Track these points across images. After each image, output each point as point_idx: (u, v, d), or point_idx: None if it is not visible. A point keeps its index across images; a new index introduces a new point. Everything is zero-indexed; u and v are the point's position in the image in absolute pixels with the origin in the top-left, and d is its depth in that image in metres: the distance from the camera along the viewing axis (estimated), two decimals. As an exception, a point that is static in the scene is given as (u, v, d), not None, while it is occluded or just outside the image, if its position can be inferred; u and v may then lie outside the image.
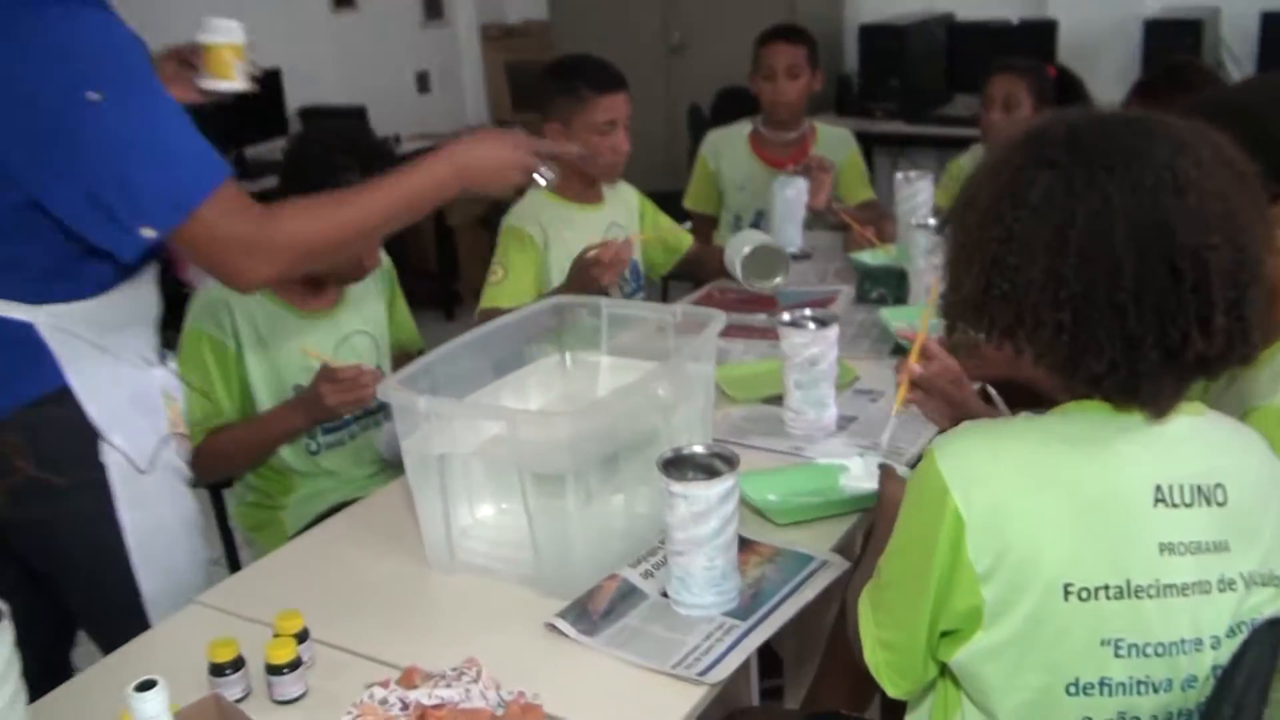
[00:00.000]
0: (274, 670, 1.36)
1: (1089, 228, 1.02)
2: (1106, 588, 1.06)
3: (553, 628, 1.44)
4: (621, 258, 2.14)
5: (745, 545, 1.56)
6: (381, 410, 2.02)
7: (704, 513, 1.39)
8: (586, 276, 2.16)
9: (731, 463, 1.42)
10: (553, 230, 2.41)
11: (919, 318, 1.70)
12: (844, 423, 1.91)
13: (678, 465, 1.44)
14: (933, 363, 1.54)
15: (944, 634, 1.14)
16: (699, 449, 1.46)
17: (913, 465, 1.67)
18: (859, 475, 1.70)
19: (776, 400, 1.95)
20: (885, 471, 1.49)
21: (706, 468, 1.44)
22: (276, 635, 1.39)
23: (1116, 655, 1.08)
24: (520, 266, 2.33)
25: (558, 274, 2.37)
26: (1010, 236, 1.06)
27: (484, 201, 4.86)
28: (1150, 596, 1.07)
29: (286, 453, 2.03)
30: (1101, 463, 1.07)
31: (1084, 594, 1.05)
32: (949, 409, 1.54)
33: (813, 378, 1.86)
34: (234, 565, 2.11)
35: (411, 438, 1.53)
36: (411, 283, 2.07)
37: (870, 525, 1.62)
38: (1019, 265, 1.05)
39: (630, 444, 1.54)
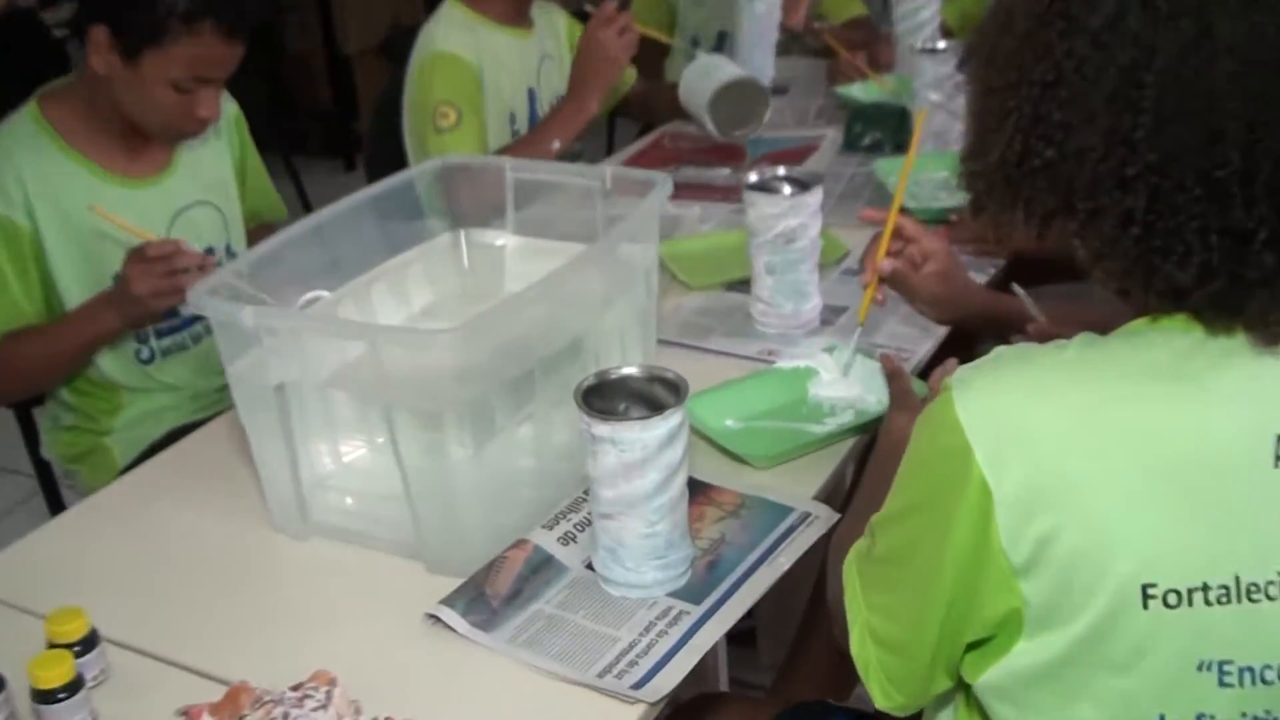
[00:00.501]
0: (43, 697, 1.09)
1: (1177, 69, 0.84)
2: (1205, 588, 0.86)
3: (436, 620, 1.18)
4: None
5: (698, 493, 1.32)
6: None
7: (640, 462, 1.12)
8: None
9: (678, 391, 1.15)
10: (486, 63, 2.15)
11: (902, 176, 1.48)
12: (829, 315, 1.69)
13: (604, 395, 1.18)
14: (910, 247, 1.39)
15: (971, 646, 0.94)
16: (633, 371, 1.20)
17: (923, 375, 1.44)
18: (832, 381, 1.49)
19: (743, 286, 1.71)
20: (893, 384, 1.25)
21: (644, 397, 1.18)
22: (50, 645, 1.12)
23: (1222, 683, 0.88)
24: (472, 104, 2.08)
25: (491, 121, 2.12)
26: (1059, 80, 0.88)
27: (383, 22, 4.50)
28: (1272, 598, 0.87)
29: (109, 362, 1.78)
30: (1195, 407, 0.87)
31: (1172, 598, 0.86)
32: (942, 310, 1.41)
33: (789, 259, 1.60)
34: (54, 506, 1.87)
35: (238, 362, 1.24)
36: (300, 125, 1.82)
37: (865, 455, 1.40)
38: (1070, 123, 0.88)
39: (544, 360, 1.27)
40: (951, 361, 1.38)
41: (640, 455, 1.13)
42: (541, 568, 1.23)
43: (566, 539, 1.27)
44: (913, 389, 1.26)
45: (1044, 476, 0.86)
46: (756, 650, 2.10)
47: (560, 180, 1.51)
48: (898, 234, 1.43)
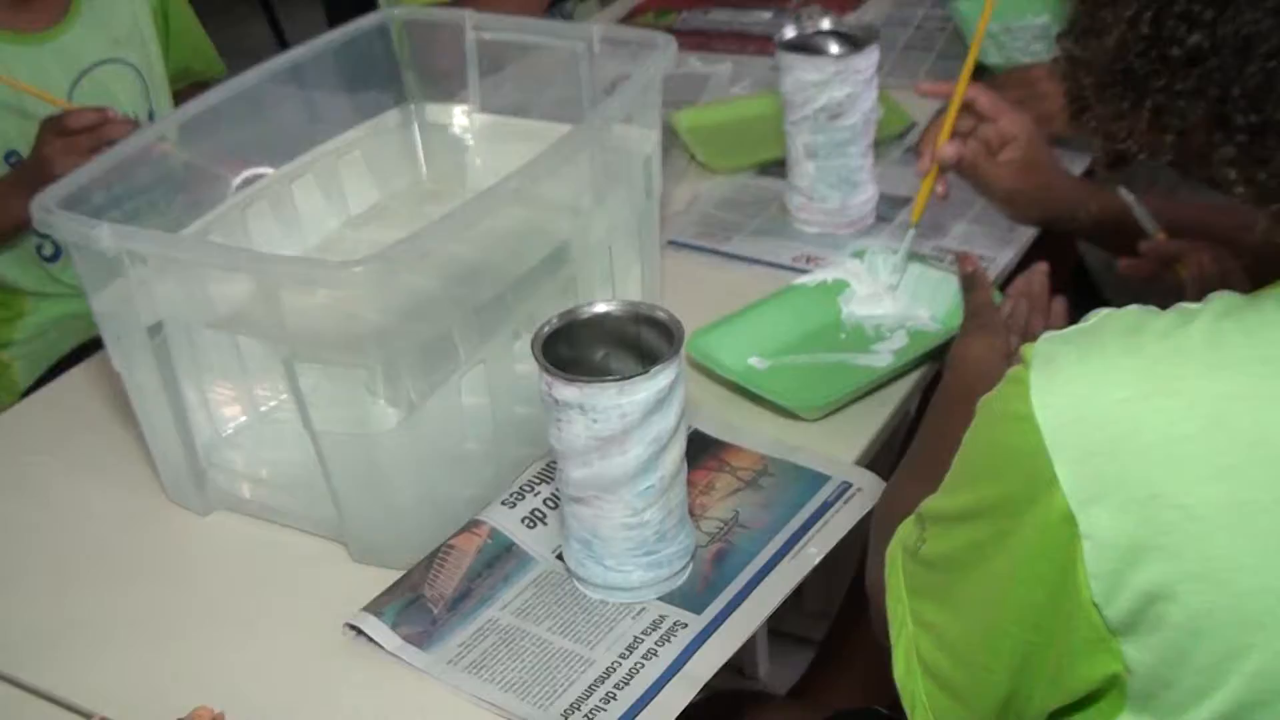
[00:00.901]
0: None
1: None
2: None
3: (358, 633, 0.99)
4: None
5: (707, 453, 1.12)
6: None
7: (619, 435, 0.92)
8: None
9: (671, 336, 0.94)
10: None
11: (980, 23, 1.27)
12: (886, 209, 1.45)
13: (572, 341, 0.97)
14: (984, 127, 1.22)
15: (1057, 713, 0.78)
16: (612, 308, 0.98)
17: (1003, 287, 1.23)
18: (870, 295, 1.29)
19: (780, 170, 1.49)
20: (970, 295, 1.11)
21: (626, 343, 0.98)
22: None
23: None
24: None
25: None
26: None
27: None
28: None
29: (5, 261, 1.63)
30: None
31: None
32: (1022, 208, 1.25)
33: (834, 139, 1.37)
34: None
35: (103, 294, 1.04)
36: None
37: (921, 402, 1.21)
38: None
39: (505, 288, 1.06)
40: (1039, 270, 1.17)
41: (619, 426, 0.92)
42: (500, 559, 1.04)
43: (534, 519, 1.07)
44: (995, 304, 1.09)
45: (1155, 508, 0.67)
46: (799, 594, 1.92)
47: (536, 41, 1.28)
48: (968, 109, 1.22)
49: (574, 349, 0.98)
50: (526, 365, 1.05)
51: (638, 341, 0.99)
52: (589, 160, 1.13)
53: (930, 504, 0.81)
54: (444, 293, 1.01)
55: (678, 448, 0.97)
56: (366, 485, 1.02)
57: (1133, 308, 0.73)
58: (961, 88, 1.22)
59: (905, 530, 0.85)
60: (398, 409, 0.98)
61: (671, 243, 1.42)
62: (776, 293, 1.29)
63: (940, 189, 1.26)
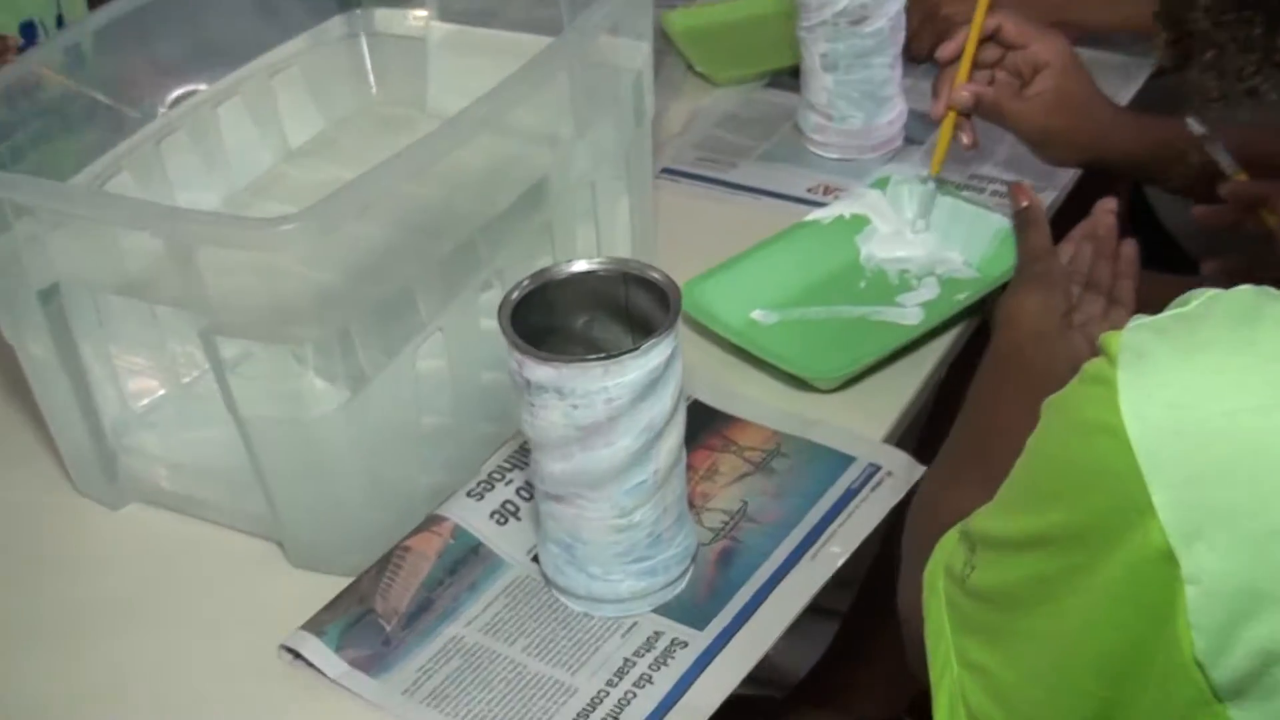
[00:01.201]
0: None
1: None
2: None
3: (295, 656, 0.89)
4: None
5: (709, 430, 1.03)
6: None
7: (606, 423, 0.82)
8: None
9: (666, 300, 0.84)
10: None
11: None
12: (917, 129, 1.34)
13: (547, 308, 0.87)
14: (1011, 56, 1.15)
15: None
16: (594, 265, 0.88)
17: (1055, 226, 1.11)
18: (893, 234, 1.19)
19: (791, 80, 1.39)
20: (1025, 236, 1.03)
21: (613, 308, 0.88)
22: None
23: None
24: None
25: None
26: None
27: None
28: None
29: None
30: None
31: None
32: (1060, 150, 1.18)
33: (857, 48, 1.27)
34: None
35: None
36: None
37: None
38: None
39: (468, 237, 0.96)
40: (1106, 208, 1.07)
41: (605, 412, 0.82)
42: (465, 563, 0.94)
43: (505, 514, 0.98)
44: (1054, 248, 1.01)
45: (1276, 548, 0.58)
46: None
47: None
48: (991, 39, 1.13)
49: (550, 316, 0.87)
50: (493, 320, 0.96)
51: (626, 306, 0.89)
52: (569, 80, 1.02)
53: (982, 522, 0.71)
54: (399, 244, 0.90)
55: (675, 435, 0.87)
56: (304, 476, 0.92)
57: (1245, 289, 0.63)
58: (980, 15, 1.13)
59: (949, 549, 0.75)
60: (342, 387, 0.87)
61: (665, 171, 1.31)
62: (784, 231, 1.19)
63: (966, 138, 1.18)
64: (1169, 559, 0.59)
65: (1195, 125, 1.08)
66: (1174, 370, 0.60)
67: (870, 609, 1.29)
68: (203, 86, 1.12)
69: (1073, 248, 1.04)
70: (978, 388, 0.95)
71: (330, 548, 0.94)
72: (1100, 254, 1.03)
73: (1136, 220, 1.52)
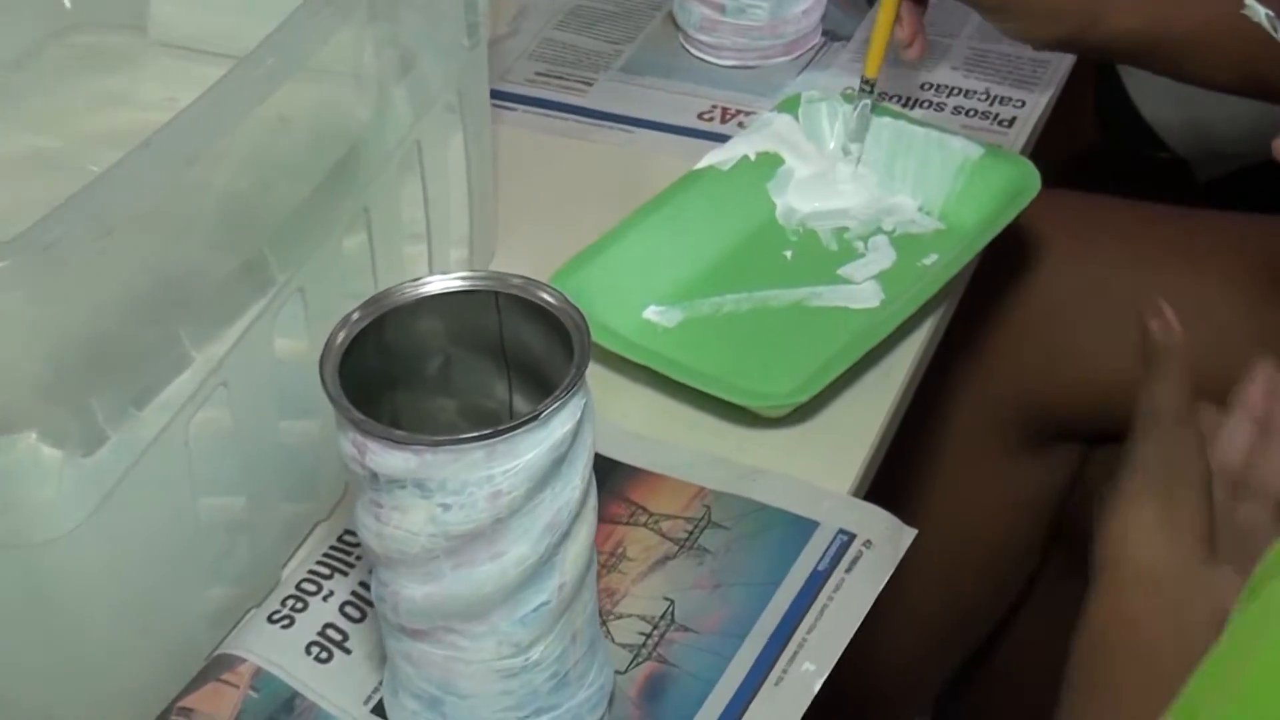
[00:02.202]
0: None
1: None
2: None
3: None
4: None
5: (600, 492, 0.93)
6: None
7: (489, 530, 0.70)
8: None
9: (564, 330, 0.73)
10: None
11: None
12: (840, 21, 1.32)
13: (384, 351, 0.75)
14: None
15: None
16: (455, 284, 0.75)
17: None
18: (817, 176, 1.13)
19: None
20: (1151, 406, 0.79)
21: (482, 340, 0.78)
22: None
23: None
24: None
25: None
26: None
27: None
28: None
29: None
30: None
31: None
32: (1047, 23, 1.11)
33: None
34: None
35: None
36: None
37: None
38: None
39: (264, 240, 0.83)
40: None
41: (490, 513, 0.69)
42: (274, 722, 0.80)
43: (327, 645, 0.86)
44: (1194, 416, 0.79)
45: None
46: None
47: None
48: None
49: (389, 360, 0.75)
50: (290, 340, 0.87)
51: (500, 339, 0.77)
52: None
53: None
54: (160, 270, 0.75)
55: (586, 531, 0.76)
56: (23, 620, 0.77)
57: None
58: None
59: None
60: (75, 495, 0.73)
61: (494, 97, 1.17)
62: (672, 188, 1.09)
63: (905, 34, 1.12)
64: None
65: (1254, 3, 1.00)
66: None
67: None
68: None
69: (1238, 428, 0.84)
70: (1077, 657, 0.80)
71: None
72: (1273, 440, 0.84)
73: (1108, 111, 1.52)
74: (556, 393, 0.68)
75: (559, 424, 0.69)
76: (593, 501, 0.75)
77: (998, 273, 1.19)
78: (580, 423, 0.71)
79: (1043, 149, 1.17)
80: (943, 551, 1.24)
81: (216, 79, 0.74)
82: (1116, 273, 1.22)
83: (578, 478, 0.72)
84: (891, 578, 0.84)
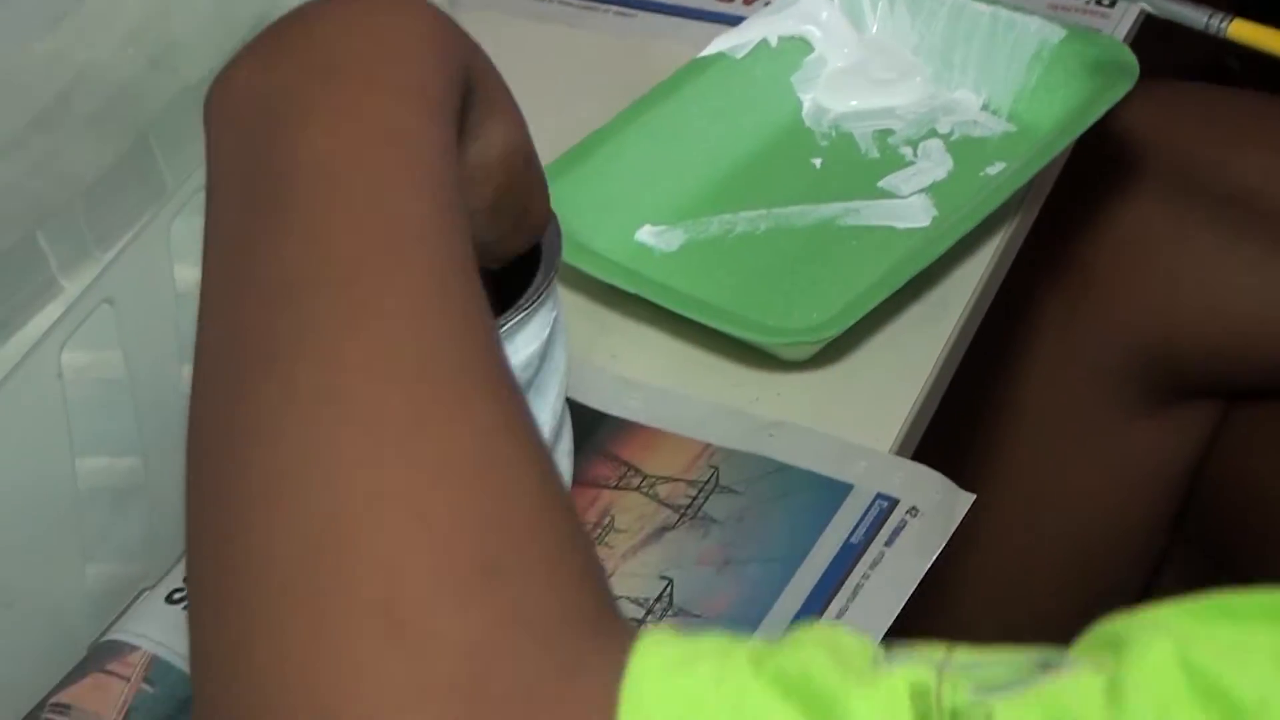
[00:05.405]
0: None
1: None
2: None
3: None
4: None
5: (590, 450, 0.93)
6: None
7: None
8: None
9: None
10: None
11: None
12: None
13: None
14: None
15: None
16: None
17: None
18: (848, 69, 1.13)
19: None
20: None
21: None
22: None
23: None
24: None
25: None
26: None
27: None
28: None
29: None
30: None
31: None
32: None
33: None
34: None
35: None
36: None
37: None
38: None
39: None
40: None
41: None
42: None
43: None
44: None
45: None
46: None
47: None
48: None
49: None
50: (80, 353, 0.84)
51: None
52: None
53: None
54: None
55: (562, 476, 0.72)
56: None
57: None
58: None
59: None
60: None
61: None
62: (673, 79, 1.08)
63: None
64: None
65: None
66: None
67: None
68: None
69: None
70: None
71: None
72: None
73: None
74: (519, 302, 0.68)
75: (523, 341, 0.69)
76: (567, 446, 0.75)
77: (1095, 181, 1.15)
78: (549, 344, 0.71)
79: (1153, 44, 1.12)
80: (1032, 539, 1.23)
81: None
82: (1270, 180, 1.17)
83: (547, 411, 0.72)
84: (965, 571, 0.80)
